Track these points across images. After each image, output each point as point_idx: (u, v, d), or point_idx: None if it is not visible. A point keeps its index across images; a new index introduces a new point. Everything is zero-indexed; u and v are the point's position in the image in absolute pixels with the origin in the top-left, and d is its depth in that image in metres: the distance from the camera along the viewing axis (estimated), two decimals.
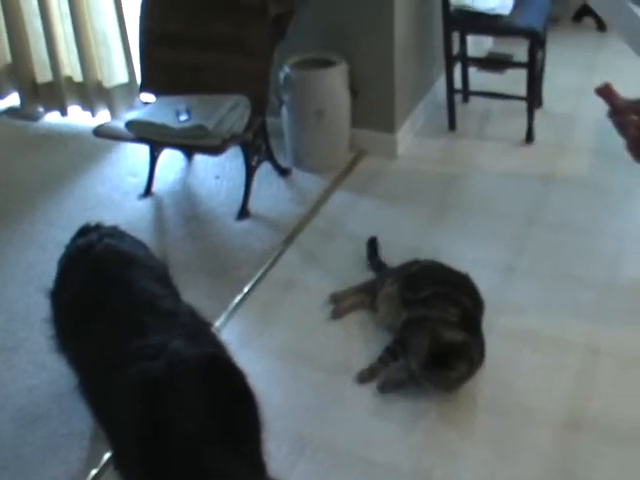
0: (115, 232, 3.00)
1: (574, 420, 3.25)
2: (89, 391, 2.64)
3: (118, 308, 2.58)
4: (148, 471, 2.22)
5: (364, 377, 3.45)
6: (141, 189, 4.83)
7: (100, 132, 4.55)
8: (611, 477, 3.02)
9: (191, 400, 2.25)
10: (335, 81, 4.77)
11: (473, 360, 3.33)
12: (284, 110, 4.86)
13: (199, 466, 2.15)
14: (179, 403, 2.23)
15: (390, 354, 3.50)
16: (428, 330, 3.31)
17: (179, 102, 4.36)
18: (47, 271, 2.93)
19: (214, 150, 4.25)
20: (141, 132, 4.32)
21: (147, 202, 4.76)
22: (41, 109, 5.84)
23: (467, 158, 5.10)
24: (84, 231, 3.01)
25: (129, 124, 4.32)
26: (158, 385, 2.24)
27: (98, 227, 3.02)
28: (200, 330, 2.62)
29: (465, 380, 3.33)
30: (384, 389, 3.40)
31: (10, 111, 5.93)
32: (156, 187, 4.86)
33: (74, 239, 3.00)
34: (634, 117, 1.75)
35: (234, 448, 2.23)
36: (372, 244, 4.14)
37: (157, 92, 4.70)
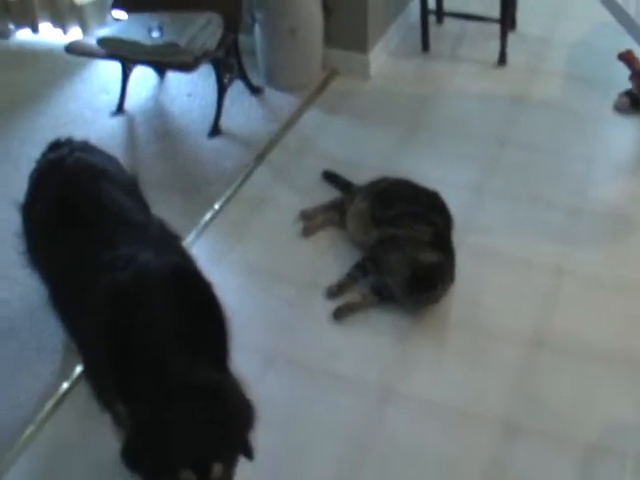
0: (86, 146, 3.00)
1: (538, 337, 3.33)
2: (60, 303, 2.66)
3: (88, 220, 2.59)
4: (117, 376, 2.26)
5: (333, 292, 3.50)
6: (113, 106, 4.80)
7: (72, 49, 4.50)
8: (569, 391, 3.12)
9: (158, 308, 2.28)
10: None
11: (448, 277, 3.42)
12: (257, 28, 4.83)
13: (165, 370, 2.19)
14: (146, 311, 2.26)
15: (360, 270, 3.55)
16: (405, 256, 3.38)
17: (151, 19, 4.33)
18: (20, 188, 2.93)
19: (186, 67, 4.24)
20: (113, 49, 4.29)
21: (119, 119, 4.74)
22: (12, 26, 5.73)
23: (440, 79, 5.10)
24: (55, 146, 3.00)
25: (101, 41, 4.29)
26: (126, 294, 2.28)
27: (69, 141, 3.00)
28: (169, 242, 2.64)
29: (442, 296, 3.42)
30: (338, 315, 3.44)
31: None
32: (128, 104, 4.83)
33: (45, 153, 3.00)
34: None
35: (199, 352, 2.27)
36: (328, 176, 4.15)
37: (129, 9, 4.63)
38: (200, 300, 2.37)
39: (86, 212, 2.62)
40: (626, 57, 1.70)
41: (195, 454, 2.11)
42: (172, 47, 4.11)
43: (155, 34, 4.19)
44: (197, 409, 2.15)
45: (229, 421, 2.21)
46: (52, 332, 2.94)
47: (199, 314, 2.33)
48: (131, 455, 2.15)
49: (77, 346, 2.66)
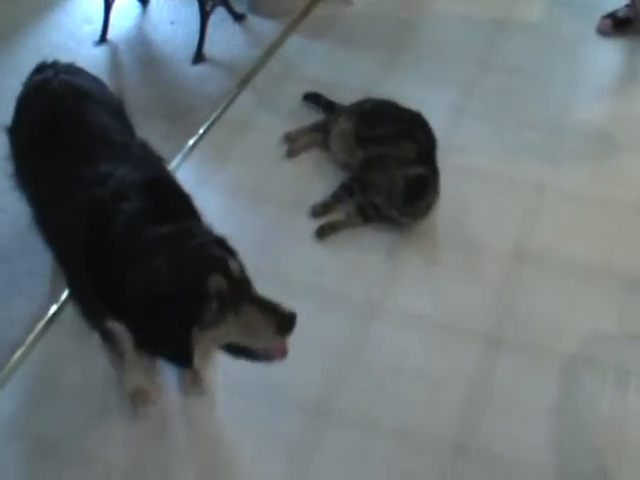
0: (71, 69, 3.00)
1: (520, 253, 3.39)
2: (44, 223, 2.69)
3: (71, 140, 2.61)
4: (101, 290, 2.31)
5: (318, 211, 3.54)
6: (96, 36, 4.78)
7: None
8: (551, 304, 3.19)
9: (135, 216, 2.31)
10: None
11: (435, 189, 3.46)
12: None
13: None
14: (124, 220, 2.29)
15: (345, 191, 3.59)
16: (394, 173, 3.41)
17: None
18: (4, 120, 2.92)
19: None
20: None
21: (103, 49, 4.72)
22: None
23: (423, 4, 5.09)
24: (41, 68, 3.01)
25: None
26: (103, 208, 2.31)
27: (55, 64, 3.01)
28: (150, 161, 2.65)
29: (433, 207, 3.47)
30: (321, 233, 3.48)
31: None
32: (111, 34, 4.81)
33: (31, 76, 3.00)
34: None
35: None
36: (311, 97, 4.16)
37: None
38: (178, 208, 2.39)
39: (69, 132, 2.63)
40: None
41: (207, 262, 2.16)
42: None
43: None
44: (184, 234, 2.22)
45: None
46: (41, 256, 2.96)
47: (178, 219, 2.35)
48: (160, 297, 2.13)
49: (61, 266, 2.71)
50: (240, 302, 2.14)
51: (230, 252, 2.28)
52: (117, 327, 2.45)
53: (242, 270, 2.23)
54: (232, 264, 2.18)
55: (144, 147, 2.71)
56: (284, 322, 2.17)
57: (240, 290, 2.15)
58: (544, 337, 3.06)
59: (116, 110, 2.89)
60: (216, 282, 2.10)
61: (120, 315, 2.32)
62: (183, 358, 2.19)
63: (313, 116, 4.02)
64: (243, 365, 2.87)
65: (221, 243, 2.29)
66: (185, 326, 2.12)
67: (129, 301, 2.18)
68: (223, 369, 2.92)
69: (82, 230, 2.32)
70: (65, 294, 3.20)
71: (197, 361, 2.25)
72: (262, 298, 2.22)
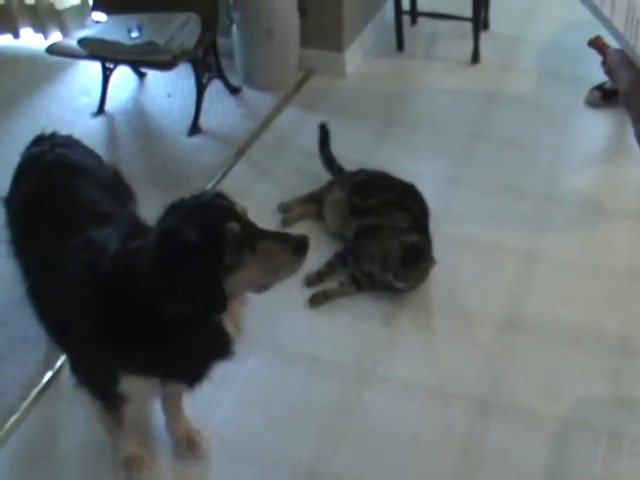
0: (68, 141, 3.06)
1: (511, 319, 3.42)
2: (35, 294, 2.73)
3: (60, 213, 2.66)
4: (105, 345, 2.34)
5: (311, 281, 3.58)
6: (94, 108, 4.88)
7: (54, 50, 4.57)
8: (543, 369, 3.21)
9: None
10: (284, 0, 4.83)
11: (431, 255, 3.50)
12: (234, 29, 4.92)
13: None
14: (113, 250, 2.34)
15: (340, 260, 3.64)
16: (389, 242, 3.45)
17: (130, 20, 4.42)
18: (1, 188, 2.97)
19: (165, 66, 4.33)
20: (94, 49, 4.37)
21: (100, 120, 4.81)
22: None
23: (414, 77, 5.20)
24: (39, 140, 3.07)
25: (82, 41, 4.36)
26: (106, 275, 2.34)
27: (52, 136, 3.07)
28: (135, 230, 2.67)
29: (427, 275, 3.51)
30: (314, 302, 3.52)
31: None
32: (109, 106, 4.91)
33: (29, 147, 3.06)
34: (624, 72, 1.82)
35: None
36: (323, 130, 4.18)
37: (109, 11, 4.71)
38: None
39: (59, 206, 2.69)
40: (596, 44, 1.74)
41: (220, 211, 2.24)
42: (151, 46, 4.19)
43: (134, 34, 4.27)
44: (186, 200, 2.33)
45: None
46: (37, 323, 2.99)
47: None
48: (183, 248, 2.15)
49: (57, 339, 2.75)
50: (253, 241, 2.20)
51: (234, 201, 2.35)
52: (134, 388, 2.48)
53: (247, 214, 2.29)
54: (240, 209, 2.26)
55: (132, 218, 2.73)
56: (298, 243, 2.25)
57: (250, 231, 2.23)
58: (536, 402, 3.08)
59: (107, 183, 2.92)
60: (232, 227, 2.17)
61: (146, 341, 2.32)
62: (220, 303, 2.21)
63: (307, 186, 4.08)
64: (238, 431, 2.91)
65: (220, 195, 2.37)
66: (214, 270, 2.17)
67: (152, 266, 2.19)
68: (219, 435, 2.94)
69: (79, 291, 2.36)
70: (59, 361, 3.22)
71: (228, 324, 2.33)
72: (271, 232, 2.31)
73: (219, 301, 2.21)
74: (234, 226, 2.17)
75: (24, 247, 2.81)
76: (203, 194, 2.40)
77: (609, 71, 1.83)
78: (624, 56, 1.47)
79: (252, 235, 2.21)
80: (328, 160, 4.08)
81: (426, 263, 3.47)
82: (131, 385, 2.45)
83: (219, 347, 2.38)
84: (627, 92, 1.39)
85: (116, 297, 2.27)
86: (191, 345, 2.31)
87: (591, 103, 4.80)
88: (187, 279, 2.16)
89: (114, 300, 2.28)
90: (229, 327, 2.33)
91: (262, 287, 2.32)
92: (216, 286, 2.18)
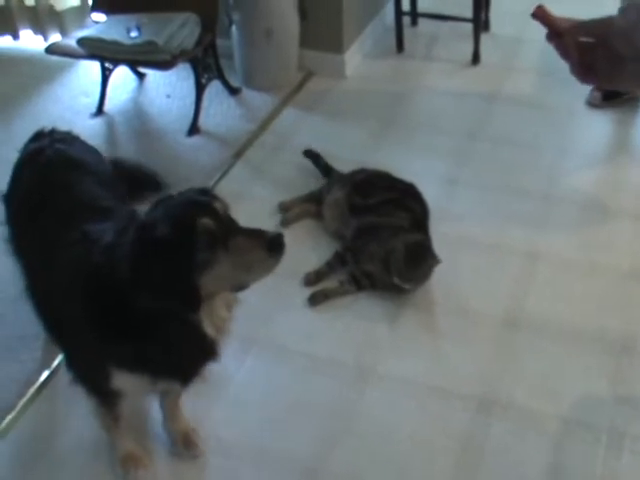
0: (67, 137, 3.05)
1: (512, 318, 3.41)
2: (35, 290, 2.72)
3: (59, 209, 2.65)
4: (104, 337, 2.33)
5: (310, 280, 3.57)
6: (93, 108, 4.88)
7: (53, 50, 4.57)
8: (543, 368, 3.19)
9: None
10: (284, 1, 4.82)
11: (434, 254, 3.48)
12: (234, 29, 4.91)
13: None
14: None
15: (339, 259, 3.62)
16: (392, 241, 3.44)
17: (130, 20, 4.41)
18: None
19: (164, 65, 4.32)
20: (93, 49, 4.36)
21: (99, 120, 4.81)
22: None
23: (414, 78, 5.19)
24: (38, 136, 3.06)
25: (81, 41, 4.36)
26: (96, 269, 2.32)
27: (52, 132, 3.06)
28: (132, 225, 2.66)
29: (430, 274, 3.49)
30: (313, 301, 3.51)
31: None
32: (108, 106, 4.91)
33: (28, 143, 3.05)
34: (578, 39, 1.79)
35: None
36: (310, 155, 4.23)
37: (108, 12, 4.71)
38: None
39: (58, 201, 2.68)
40: (539, 15, 1.69)
41: (194, 206, 2.22)
42: (150, 46, 4.19)
43: (134, 33, 4.27)
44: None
45: None
46: (34, 321, 2.97)
47: None
48: (155, 242, 2.15)
49: (56, 335, 2.72)
50: (227, 237, 2.16)
51: (214, 197, 2.32)
52: (126, 384, 2.46)
53: (227, 210, 2.26)
54: (217, 205, 2.22)
55: (130, 214, 2.72)
56: (272, 240, 2.19)
57: (226, 228, 2.19)
58: (537, 401, 3.05)
59: (106, 179, 2.90)
60: (204, 223, 2.13)
61: (134, 336, 2.30)
62: (191, 299, 2.19)
63: (306, 186, 4.07)
64: (236, 430, 2.89)
65: (205, 191, 2.36)
66: (185, 265, 2.14)
67: (129, 257, 2.18)
68: (216, 435, 2.93)
69: (71, 284, 2.35)
70: (57, 360, 3.21)
71: (208, 325, 2.29)
72: (247, 229, 2.25)
73: (190, 297, 2.18)
74: (207, 222, 2.14)
75: (23, 243, 2.80)
76: (189, 191, 2.36)
77: (558, 44, 1.82)
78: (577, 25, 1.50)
79: (227, 232, 2.18)
80: (326, 172, 4.12)
81: (431, 261, 3.45)
82: (123, 381, 2.43)
83: (197, 347, 2.35)
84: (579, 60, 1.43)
85: (103, 290, 2.25)
86: (170, 342, 2.29)
87: (592, 103, 4.79)
88: (156, 273, 2.14)
89: (101, 293, 2.26)
90: (208, 328, 2.30)
91: (238, 286, 2.29)
92: (186, 281, 2.15)
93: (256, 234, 2.22)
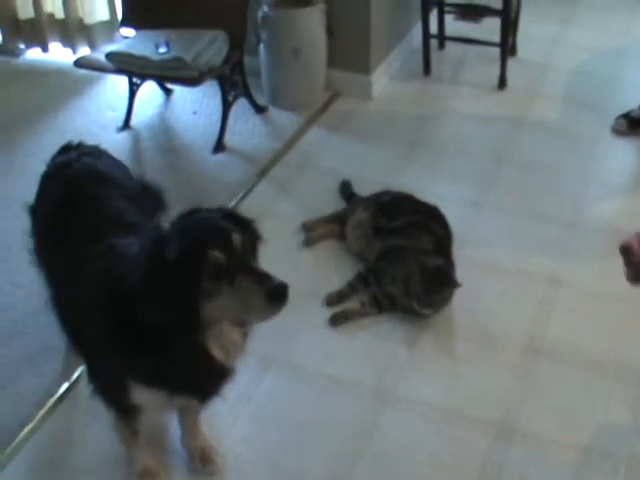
0: (95, 151, 3.06)
1: (534, 344, 3.39)
2: (58, 303, 2.74)
3: (86, 222, 2.66)
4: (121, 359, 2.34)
5: (332, 301, 3.57)
6: (120, 123, 4.91)
7: (81, 63, 4.60)
8: (564, 396, 3.17)
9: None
10: (312, 21, 4.84)
11: (455, 279, 3.47)
12: (262, 48, 4.93)
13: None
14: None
15: (361, 280, 3.62)
16: (413, 264, 3.44)
17: (158, 36, 4.43)
18: (25, 199, 2.97)
19: (192, 82, 4.33)
20: (121, 63, 4.39)
21: (125, 135, 4.84)
22: (22, 46, 5.86)
23: (440, 101, 5.20)
24: (65, 149, 3.07)
25: (109, 55, 4.39)
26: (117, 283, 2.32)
27: (79, 146, 3.07)
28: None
29: (450, 299, 3.49)
30: (335, 321, 3.50)
31: None
32: (134, 121, 4.94)
33: (55, 156, 3.06)
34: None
35: None
36: (345, 187, 4.22)
37: (137, 27, 4.75)
38: None
39: (85, 215, 2.69)
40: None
41: (208, 233, 2.20)
42: (178, 62, 4.21)
43: (162, 49, 4.29)
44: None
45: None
46: (56, 333, 2.98)
47: None
48: (164, 263, 2.15)
49: (77, 345, 2.73)
50: (235, 274, 2.14)
51: (240, 224, 2.32)
52: (144, 399, 2.47)
53: (244, 244, 2.23)
54: (234, 237, 2.20)
55: (156, 230, 2.73)
56: (273, 289, 2.16)
57: (237, 264, 2.16)
58: (556, 428, 3.04)
59: (133, 194, 2.91)
60: (215, 256, 2.12)
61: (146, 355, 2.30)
62: (190, 322, 2.17)
63: (330, 207, 4.08)
64: (254, 448, 2.89)
65: (230, 215, 2.35)
66: (187, 289, 2.13)
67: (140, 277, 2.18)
68: (234, 452, 2.93)
69: (94, 296, 2.36)
70: (77, 372, 3.22)
71: (215, 348, 2.28)
72: (257, 269, 2.24)
73: (189, 319, 2.17)
74: (218, 255, 2.13)
75: (48, 254, 2.80)
76: (216, 210, 2.37)
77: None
78: None
79: (236, 268, 2.16)
80: (349, 198, 4.12)
81: (451, 287, 3.44)
82: (141, 396, 2.44)
83: (205, 368, 2.34)
84: None
85: (121, 302, 2.25)
86: (179, 360, 2.28)
87: (617, 131, 4.78)
88: (160, 290, 2.14)
89: (120, 305, 2.25)
90: (216, 351, 2.29)
91: (238, 321, 2.28)
92: (187, 304, 2.14)
93: (262, 277, 2.19)
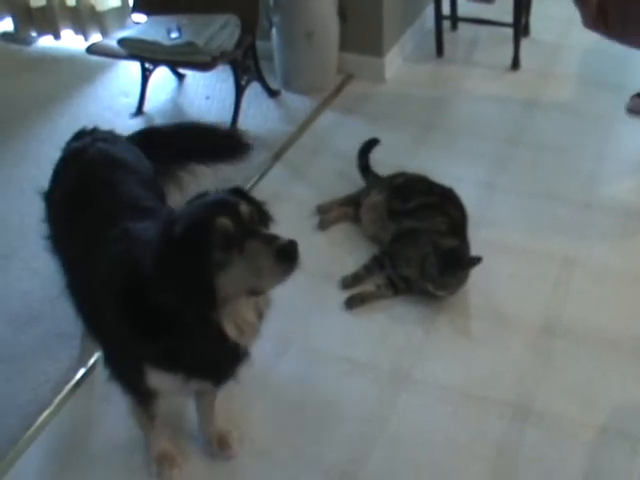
0: (109, 136, 3.05)
1: (549, 325, 3.38)
2: (74, 286, 2.74)
3: (101, 207, 2.65)
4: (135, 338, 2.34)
5: (348, 283, 3.57)
6: (133, 109, 4.92)
7: (93, 50, 4.61)
8: (580, 376, 3.16)
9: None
10: (324, 3, 4.83)
11: (470, 260, 3.46)
12: (274, 32, 4.93)
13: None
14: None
15: (377, 263, 3.61)
16: (428, 245, 3.43)
17: (170, 21, 4.43)
18: (40, 185, 2.97)
19: (204, 66, 4.33)
20: (133, 49, 4.39)
21: (138, 121, 4.84)
22: (34, 33, 5.89)
23: (454, 83, 5.18)
24: (80, 135, 3.07)
25: (121, 41, 4.39)
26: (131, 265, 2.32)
27: (93, 131, 3.08)
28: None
29: (466, 280, 3.48)
30: (350, 304, 3.50)
31: (4, 35, 5.98)
32: (147, 107, 4.94)
33: (70, 142, 3.07)
34: None
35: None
36: (371, 143, 4.18)
37: (148, 13, 4.75)
38: None
39: (99, 200, 2.68)
40: None
41: (216, 206, 2.20)
42: (190, 47, 4.20)
43: (174, 34, 4.29)
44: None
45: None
46: (71, 319, 2.98)
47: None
48: (175, 239, 2.15)
49: (93, 331, 2.74)
50: (244, 240, 2.12)
51: (245, 197, 2.32)
52: (160, 383, 2.47)
53: (252, 213, 2.22)
54: (242, 207, 2.18)
55: (170, 213, 2.73)
56: (281, 247, 2.12)
57: (245, 230, 2.15)
58: (573, 408, 3.03)
59: (147, 179, 2.91)
60: (222, 223, 2.11)
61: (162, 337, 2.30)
62: (206, 298, 2.16)
63: (344, 189, 4.07)
64: (270, 432, 2.89)
65: (237, 191, 2.35)
66: (200, 264, 2.12)
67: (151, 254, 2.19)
68: (250, 436, 2.93)
69: (113, 280, 2.35)
70: (94, 358, 3.24)
71: (230, 328, 2.27)
72: (265, 232, 2.22)
73: (205, 296, 2.16)
74: (224, 222, 2.12)
75: (64, 240, 2.80)
76: (224, 191, 2.34)
77: None
78: None
79: (245, 234, 2.14)
80: (364, 168, 4.09)
81: (467, 266, 3.44)
82: (157, 380, 2.44)
83: (220, 349, 2.33)
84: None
85: (136, 286, 2.24)
86: (194, 342, 2.28)
87: (632, 110, 4.75)
88: (172, 270, 2.14)
89: (135, 289, 2.25)
90: (231, 331, 2.27)
91: (253, 290, 2.24)
92: (200, 279, 2.13)
93: (270, 238, 2.16)
